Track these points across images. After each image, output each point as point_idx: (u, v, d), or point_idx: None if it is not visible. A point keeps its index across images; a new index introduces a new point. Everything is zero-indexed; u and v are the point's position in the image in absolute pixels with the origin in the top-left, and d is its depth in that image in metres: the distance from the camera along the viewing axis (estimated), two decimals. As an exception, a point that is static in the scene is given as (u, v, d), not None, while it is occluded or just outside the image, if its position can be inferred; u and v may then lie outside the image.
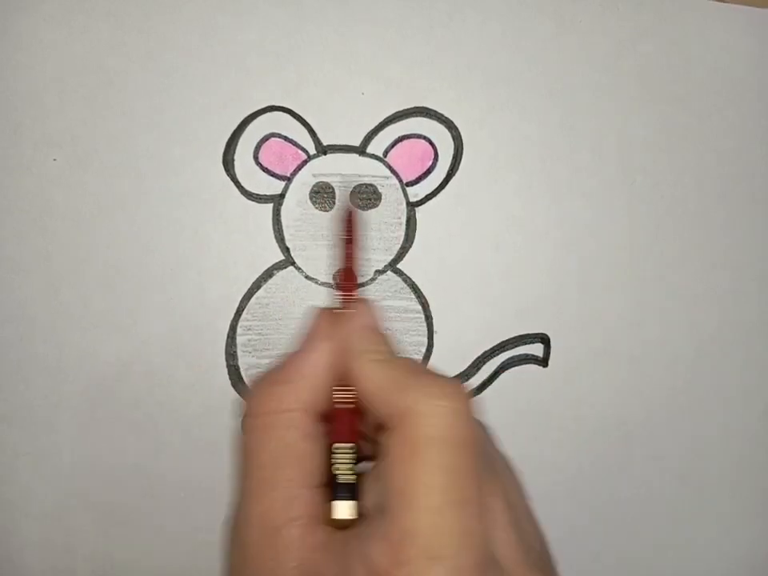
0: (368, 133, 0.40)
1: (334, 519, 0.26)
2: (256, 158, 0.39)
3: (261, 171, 0.39)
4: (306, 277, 0.39)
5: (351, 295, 0.32)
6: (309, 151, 0.39)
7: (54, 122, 0.38)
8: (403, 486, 0.23)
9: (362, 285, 0.40)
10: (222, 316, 0.39)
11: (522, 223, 0.41)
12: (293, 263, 0.39)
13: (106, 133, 0.38)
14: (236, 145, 0.39)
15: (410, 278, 0.40)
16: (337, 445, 0.28)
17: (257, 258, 0.39)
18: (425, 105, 0.40)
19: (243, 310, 0.39)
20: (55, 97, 0.38)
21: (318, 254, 0.39)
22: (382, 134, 0.40)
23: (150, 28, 0.39)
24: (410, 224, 0.40)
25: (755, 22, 0.43)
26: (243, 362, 0.39)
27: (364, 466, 0.29)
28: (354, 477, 0.27)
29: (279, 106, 0.39)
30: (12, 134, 0.38)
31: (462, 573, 0.22)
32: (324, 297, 0.40)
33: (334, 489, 0.27)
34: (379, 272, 0.40)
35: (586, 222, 0.42)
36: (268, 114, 0.39)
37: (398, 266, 0.40)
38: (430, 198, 0.40)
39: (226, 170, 0.39)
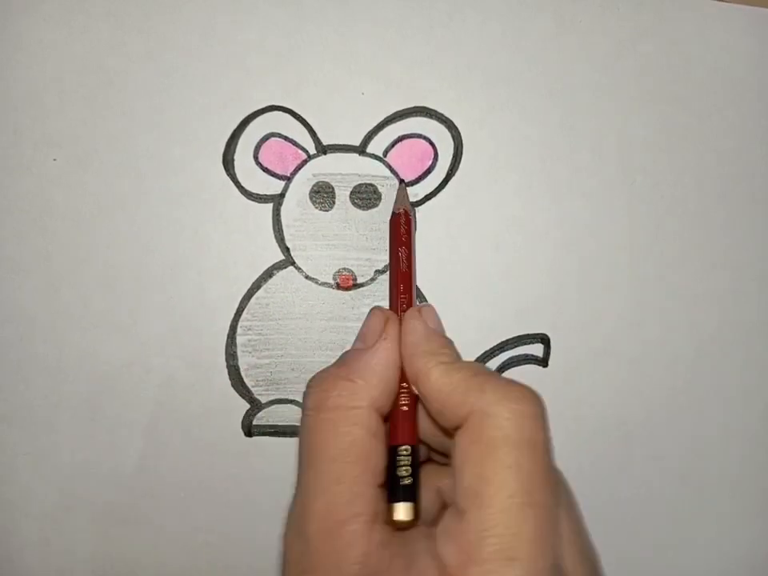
0: (368, 132, 0.40)
1: (394, 520, 0.26)
2: (256, 157, 0.39)
3: (261, 171, 0.39)
4: (306, 277, 0.39)
5: (409, 298, 0.32)
6: (309, 151, 0.39)
7: (53, 121, 0.38)
8: (477, 486, 0.24)
9: (362, 285, 0.40)
10: (221, 316, 0.39)
11: (521, 223, 0.41)
12: (293, 263, 0.39)
13: (105, 133, 0.38)
14: (236, 144, 0.39)
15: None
16: (400, 447, 0.28)
17: (257, 257, 0.39)
18: (425, 105, 0.40)
19: (243, 309, 0.39)
20: (55, 97, 0.38)
21: (318, 254, 0.39)
22: (381, 133, 0.40)
23: (149, 28, 0.39)
24: (410, 224, 0.40)
25: (755, 21, 0.43)
26: (243, 361, 0.39)
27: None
28: (413, 479, 0.27)
29: (279, 106, 0.39)
30: (12, 133, 0.38)
31: (529, 574, 0.22)
32: (326, 297, 0.40)
33: (395, 490, 0.27)
34: (379, 272, 0.40)
35: (586, 222, 0.42)
36: (268, 114, 0.39)
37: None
38: (430, 198, 0.40)
39: (225, 169, 0.39)
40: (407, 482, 0.27)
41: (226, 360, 0.39)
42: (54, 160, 0.38)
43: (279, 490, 0.38)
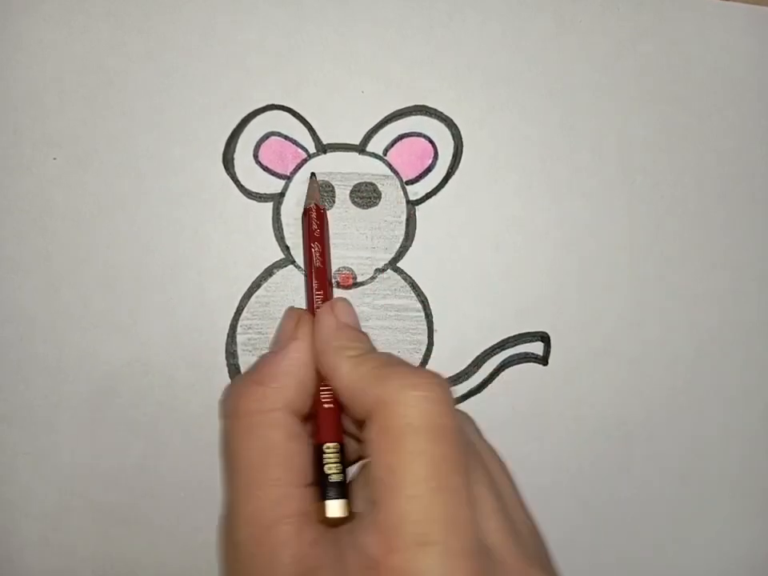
0: (368, 131, 0.40)
1: (326, 518, 0.26)
2: (256, 156, 0.39)
3: (261, 170, 0.39)
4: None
5: (323, 294, 0.32)
6: (309, 150, 0.39)
7: (53, 121, 0.38)
8: (386, 476, 0.24)
9: (362, 283, 0.40)
10: (221, 315, 0.39)
11: (521, 223, 0.41)
12: (293, 262, 0.39)
13: (105, 132, 0.38)
14: (236, 144, 0.39)
15: (410, 277, 0.40)
16: (326, 444, 0.28)
17: (257, 256, 0.39)
18: (425, 104, 0.40)
19: (243, 308, 0.39)
20: (55, 97, 0.38)
21: (318, 253, 0.39)
22: (381, 132, 0.40)
23: (149, 28, 0.39)
24: (410, 222, 0.40)
25: (755, 20, 0.43)
26: (243, 360, 0.39)
27: (351, 466, 0.29)
28: (342, 476, 0.27)
29: (279, 105, 0.39)
30: (11, 133, 0.38)
31: (452, 558, 0.23)
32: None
33: (324, 488, 0.27)
34: (379, 270, 0.40)
35: (586, 222, 0.42)
36: (268, 113, 0.39)
37: (398, 264, 0.40)
38: (430, 197, 0.40)
39: (225, 168, 0.39)
40: (335, 479, 0.27)
41: (227, 359, 0.39)
42: (54, 160, 0.38)
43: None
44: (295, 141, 0.39)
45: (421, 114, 0.40)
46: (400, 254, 0.40)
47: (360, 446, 0.30)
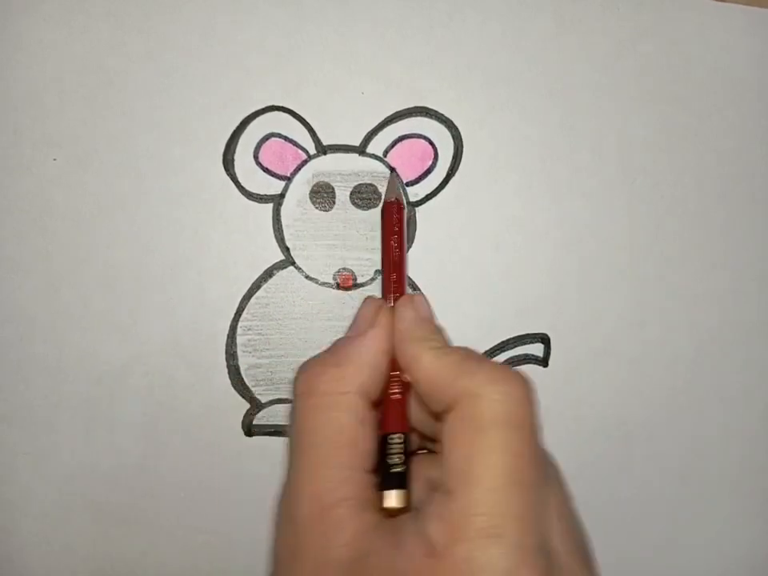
0: (368, 132, 0.40)
1: (385, 507, 0.27)
2: (256, 157, 0.39)
3: (261, 171, 0.39)
4: (306, 277, 0.39)
5: (401, 287, 0.32)
6: (309, 151, 0.39)
7: (53, 121, 0.38)
8: (465, 466, 0.24)
9: (362, 285, 0.40)
10: (222, 316, 0.39)
11: (522, 223, 0.41)
12: (293, 263, 0.39)
13: (105, 133, 0.38)
14: (236, 145, 0.39)
15: (410, 278, 0.40)
16: (391, 435, 0.28)
17: (257, 257, 0.39)
18: (425, 105, 0.40)
19: (243, 309, 0.39)
20: (55, 97, 0.38)
21: (318, 254, 0.39)
22: (381, 133, 0.40)
23: (149, 28, 0.39)
24: (410, 224, 0.40)
25: (755, 21, 0.43)
26: (243, 361, 0.39)
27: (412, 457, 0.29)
28: (404, 467, 0.28)
29: (279, 106, 0.39)
30: (12, 133, 0.38)
31: (521, 553, 0.23)
32: (326, 297, 0.40)
33: (386, 478, 0.27)
34: (379, 272, 0.40)
35: (586, 222, 0.42)
36: (268, 114, 0.39)
37: (398, 265, 0.40)
38: (430, 198, 0.40)
39: (226, 169, 0.39)
40: (398, 469, 0.28)
41: (226, 360, 0.39)
42: (54, 160, 0.38)
43: (279, 490, 0.38)
44: (295, 142, 0.39)
45: (421, 116, 0.40)
46: (400, 254, 0.40)
47: (419, 438, 0.31)
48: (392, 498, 0.27)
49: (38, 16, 0.38)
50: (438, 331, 0.29)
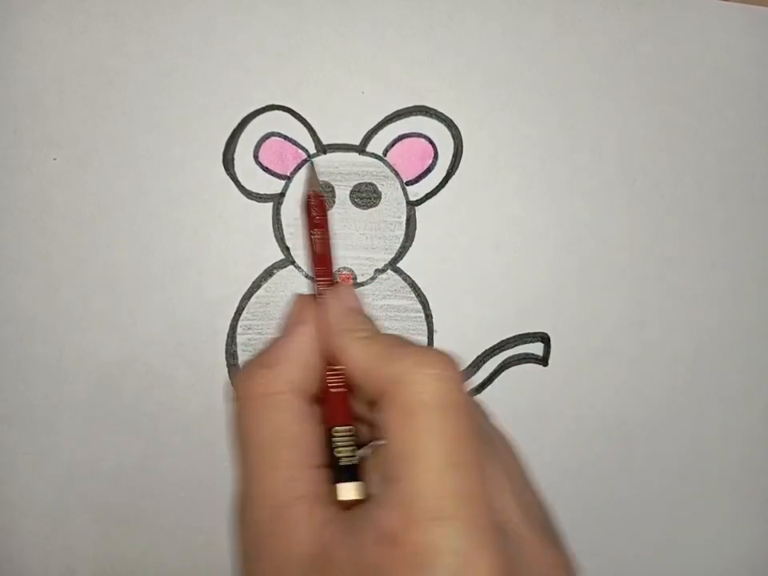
0: (368, 132, 0.40)
1: (340, 500, 0.26)
2: (256, 157, 0.39)
3: (261, 170, 0.39)
4: (306, 276, 0.39)
5: (327, 280, 0.32)
6: (309, 150, 0.39)
7: (53, 121, 0.38)
8: (402, 452, 0.24)
9: (362, 284, 0.40)
10: (222, 315, 0.39)
11: (522, 223, 0.41)
12: (293, 262, 0.39)
13: (105, 132, 0.38)
14: (236, 144, 0.39)
15: (410, 277, 0.40)
16: (336, 428, 0.28)
17: (257, 257, 0.39)
18: (425, 104, 0.40)
19: (243, 309, 0.39)
20: (55, 96, 0.38)
21: (317, 254, 0.39)
22: (381, 132, 0.40)
23: (149, 28, 0.39)
24: (410, 223, 0.40)
25: (755, 21, 0.43)
26: (243, 361, 0.39)
27: (363, 449, 0.29)
28: (355, 458, 0.27)
29: (279, 105, 0.39)
30: (12, 133, 0.38)
31: (468, 533, 0.23)
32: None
33: (337, 471, 0.27)
34: (379, 271, 0.40)
35: (586, 222, 0.42)
36: (268, 113, 0.39)
37: (398, 264, 0.40)
38: (430, 197, 0.40)
39: (226, 169, 0.39)
40: (347, 462, 0.27)
41: (227, 359, 0.39)
42: (54, 160, 0.38)
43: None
44: (295, 141, 0.39)
45: (421, 115, 0.40)
46: (400, 254, 0.40)
47: (370, 429, 0.30)
48: (345, 491, 0.27)
49: (38, 16, 0.38)
50: (366, 321, 0.29)
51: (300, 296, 0.31)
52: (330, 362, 0.29)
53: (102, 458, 0.38)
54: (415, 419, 0.24)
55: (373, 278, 0.40)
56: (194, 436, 0.39)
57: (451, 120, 0.40)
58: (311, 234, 0.33)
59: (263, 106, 0.39)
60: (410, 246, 0.40)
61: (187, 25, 0.39)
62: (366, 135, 0.40)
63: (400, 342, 0.27)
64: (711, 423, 0.44)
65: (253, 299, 0.39)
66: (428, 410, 0.24)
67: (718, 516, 0.44)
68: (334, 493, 0.27)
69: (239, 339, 0.39)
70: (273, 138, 0.39)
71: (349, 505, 0.26)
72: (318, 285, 0.32)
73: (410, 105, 0.40)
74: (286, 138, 0.39)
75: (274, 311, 0.39)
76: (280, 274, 0.39)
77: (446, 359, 0.25)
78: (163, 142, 0.39)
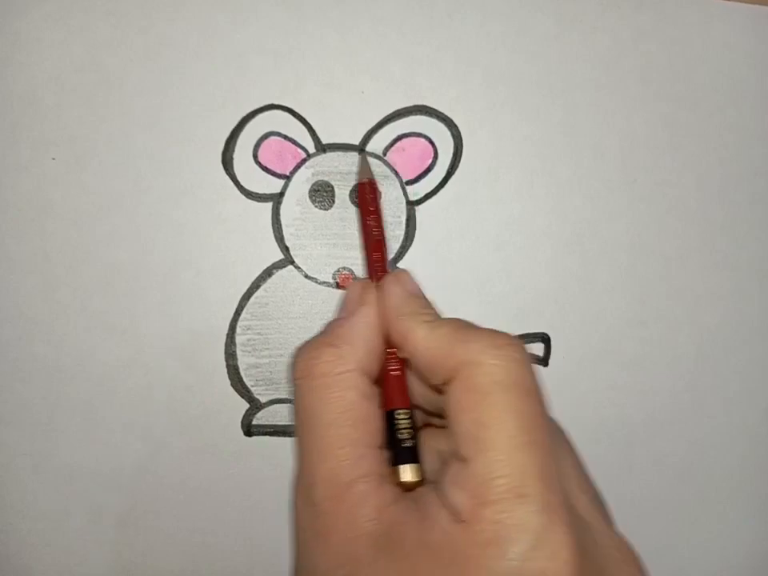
0: (367, 131, 0.40)
1: (401, 482, 0.27)
2: (255, 156, 0.39)
3: (260, 170, 0.39)
4: (306, 276, 0.39)
5: (383, 265, 0.32)
6: (308, 150, 0.39)
7: (52, 121, 0.38)
8: (476, 432, 0.24)
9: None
10: (221, 315, 0.39)
11: (521, 223, 0.41)
12: (292, 262, 0.39)
13: (104, 132, 0.38)
14: (235, 144, 0.39)
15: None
16: (397, 410, 0.28)
17: (256, 257, 0.39)
18: (425, 103, 0.40)
19: (242, 309, 0.39)
20: (53, 96, 0.38)
21: (317, 253, 0.39)
22: (381, 132, 0.40)
23: (149, 27, 0.39)
24: (410, 223, 0.40)
25: (757, 19, 0.43)
26: (243, 361, 0.39)
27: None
28: (414, 441, 0.28)
29: (278, 105, 0.39)
30: (10, 133, 0.38)
31: (549, 510, 0.23)
32: (326, 296, 0.40)
33: (397, 453, 0.28)
34: (379, 271, 0.40)
35: (587, 222, 0.42)
36: (267, 113, 0.39)
37: (398, 264, 0.40)
38: (430, 197, 0.40)
39: (225, 168, 0.39)
40: (409, 444, 0.28)
41: (226, 360, 0.39)
42: (53, 159, 0.38)
43: (279, 490, 0.38)
44: (295, 141, 0.39)
45: (421, 114, 0.40)
46: (400, 254, 0.40)
47: (423, 416, 0.31)
48: (407, 473, 0.27)
49: (37, 15, 0.38)
50: (428, 305, 0.30)
51: (357, 281, 0.32)
52: (389, 345, 0.29)
53: (102, 459, 0.38)
54: (490, 399, 0.24)
55: (373, 278, 0.40)
56: (193, 436, 0.39)
57: (451, 120, 0.40)
58: (367, 220, 0.33)
59: (262, 105, 0.39)
60: (410, 245, 0.40)
61: (187, 24, 0.39)
62: (365, 135, 0.40)
63: (466, 325, 0.27)
64: (712, 423, 0.43)
65: (252, 299, 0.39)
66: (503, 391, 0.24)
67: (718, 516, 0.44)
68: (395, 474, 0.27)
69: (238, 339, 0.39)
70: (272, 137, 0.39)
71: (409, 486, 0.27)
72: (376, 269, 0.32)
73: (409, 104, 0.40)
74: (285, 137, 0.39)
75: (273, 311, 0.39)
76: (279, 274, 0.39)
77: (517, 342, 0.26)
78: (162, 141, 0.39)
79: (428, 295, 0.40)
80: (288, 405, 0.39)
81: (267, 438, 0.39)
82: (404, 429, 0.28)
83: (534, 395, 0.25)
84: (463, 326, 0.27)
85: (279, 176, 0.39)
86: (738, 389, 0.43)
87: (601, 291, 0.42)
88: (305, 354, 0.28)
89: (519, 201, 0.41)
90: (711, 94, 0.43)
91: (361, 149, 0.40)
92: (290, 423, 0.39)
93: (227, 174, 0.39)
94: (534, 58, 0.41)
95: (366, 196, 0.35)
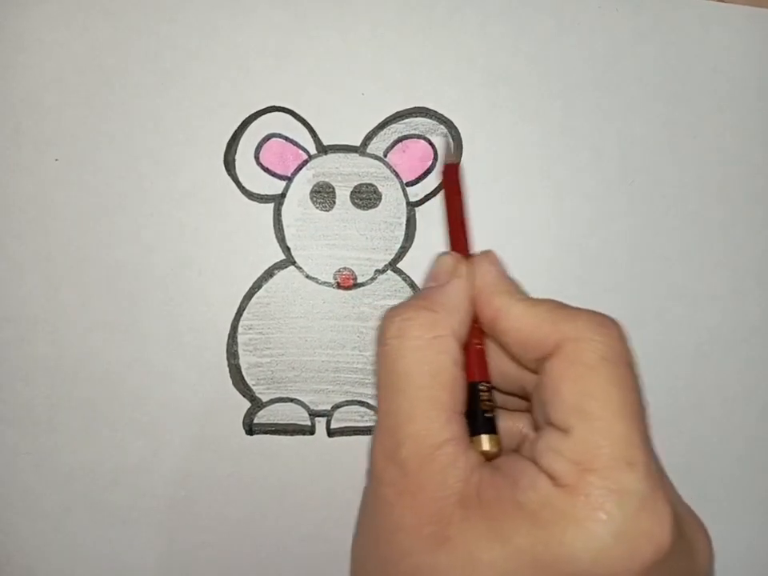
0: (368, 133, 0.40)
1: (482, 451, 0.27)
2: (257, 158, 0.39)
3: (262, 171, 0.39)
4: (307, 276, 0.39)
5: (468, 244, 0.33)
6: (309, 151, 0.40)
7: (54, 122, 0.38)
8: (582, 402, 0.25)
9: (362, 284, 0.40)
10: (222, 315, 0.39)
11: (521, 223, 0.41)
12: (293, 263, 0.39)
13: (106, 133, 0.38)
14: (237, 145, 0.39)
15: (410, 278, 0.40)
16: (480, 383, 0.29)
17: (257, 257, 0.39)
18: (424, 105, 0.40)
19: (244, 309, 0.39)
20: (55, 97, 0.38)
21: (318, 254, 0.40)
22: (381, 133, 0.40)
23: (150, 28, 0.39)
24: (410, 224, 0.40)
25: (754, 21, 0.43)
26: (244, 360, 0.39)
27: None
28: (494, 413, 0.29)
29: (280, 107, 0.39)
30: (12, 134, 0.38)
31: (652, 478, 0.24)
32: (327, 296, 0.40)
33: (481, 422, 0.28)
34: (379, 271, 0.40)
35: (586, 222, 0.42)
36: (269, 115, 0.39)
37: (398, 265, 0.40)
38: (430, 198, 0.40)
39: (226, 170, 0.39)
40: (491, 414, 0.28)
41: (227, 359, 0.39)
42: (56, 160, 0.38)
43: (280, 489, 0.38)
44: (296, 142, 0.39)
45: (421, 116, 0.40)
46: (400, 255, 0.40)
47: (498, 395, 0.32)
48: (489, 442, 0.28)
49: (39, 16, 0.38)
50: (519, 285, 0.30)
51: (447, 253, 0.32)
52: (475, 319, 0.30)
53: (102, 458, 0.38)
54: (595, 372, 0.25)
55: (373, 279, 0.40)
56: (194, 436, 0.39)
57: (451, 121, 0.41)
58: (455, 201, 0.34)
59: (264, 107, 0.39)
60: (410, 246, 0.40)
61: (188, 26, 0.39)
62: (366, 136, 0.40)
63: (564, 305, 0.28)
64: (711, 423, 0.44)
65: (254, 299, 0.39)
66: (609, 365, 0.25)
67: (717, 516, 0.44)
68: (476, 443, 0.28)
69: (240, 339, 0.39)
70: (273, 139, 0.39)
71: (488, 456, 0.27)
72: (463, 248, 0.33)
73: (409, 106, 0.40)
74: (286, 139, 0.39)
75: (274, 311, 0.39)
76: (281, 274, 0.39)
77: (614, 321, 0.27)
78: (164, 142, 0.39)
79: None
80: (289, 404, 0.39)
81: (269, 436, 0.39)
82: (486, 400, 0.29)
83: (635, 372, 0.26)
84: (561, 305, 0.28)
85: (281, 177, 0.39)
86: (737, 388, 0.44)
87: (600, 291, 0.42)
88: (399, 314, 0.28)
89: (518, 201, 0.41)
90: (709, 95, 0.43)
91: (449, 132, 0.40)
92: (291, 422, 0.39)
93: (229, 175, 0.39)
94: (534, 60, 0.41)
95: (452, 177, 0.35)
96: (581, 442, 0.24)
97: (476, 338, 0.30)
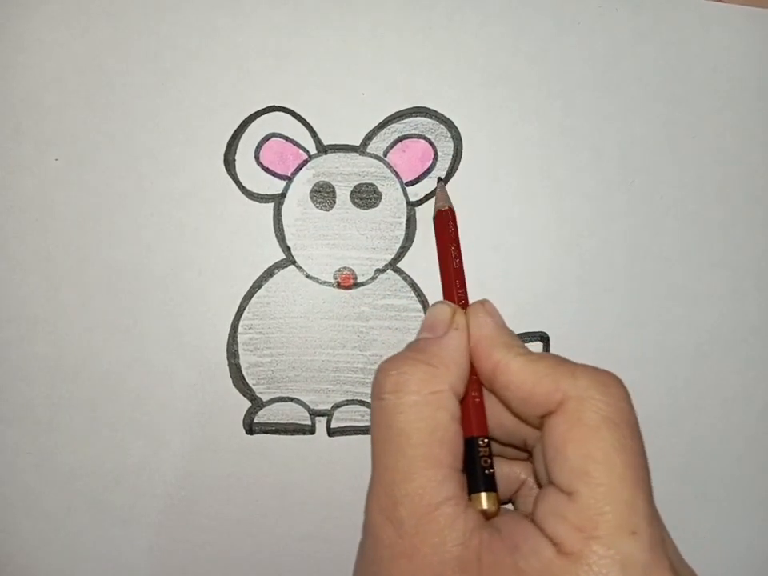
0: (368, 133, 0.40)
1: (481, 510, 0.27)
2: (257, 157, 0.39)
3: (262, 171, 0.39)
4: (307, 276, 0.39)
5: (464, 293, 0.32)
6: (309, 151, 0.40)
7: (54, 122, 0.38)
8: (585, 466, 0.24)
9: (363, 284, 0.40)
10: (223, 315, 0.39)
11: (521, 223, 0.41)
12: (293, 262, 0.39)
13: (106, 133, 0.39)
14: (237, 145, 0.39)
15: (410, 277, 0.40)
16: (479, 438, 0.28)
17: (258, 257, 0.39)
18: (424, 105, 0.40)
19: (244, 308, 0.39)
20: (56, 97, 0.38)
21: (318, 253, 0.40)
22: (381, 133, 0.40)
23: (150, 28, 0.39)
24: (410, 223, 0.40)
25: (755, 22, 0.43)
26: (244, 360, 0.39)
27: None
28: (493, 469, 0.28)
29: (280, 107, 0.39)
30: (13, 134, 0.38)
31: (655, 548, 0.23)
32: (327, 296, 0.40)
33: (478, 480, 0.27)
34: (379, 271, 0.40)
35: (586, 222, 0.42)
36: (269, 114, 0.39)
37: (398, 264, 0.40)
38: (430, 198, 0.40)
39: (227, 169, 0.39)
40: (490, 471, 0.28)
41: (228, 358, 0.39)
42: (56, 160, 0.38)
43: (280, 488, 0.38)
44: (296, 142, 0.39)
45: (421, 116, 0.40)
46: (400, 254, 0.40)
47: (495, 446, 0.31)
48: (488, 500, 0.27)
49: (39, 16, 0.38)
50: (517, 338, 0.30)
51: (443, 303, 0.31)
52: (472, 372, 0.29)
53: (103, 458, 0.38)
54: (598, 435, 0.25)
55: (373, 278, 0.40)
56: (194, 436, 0.39)
57: (451, 121, 0.41)
58: (450, 248, 0.33)
59: (264, 107, 0.39)
60: (410, 246, 0.40)
61: (188, 25, 0.39)
62: (366, 136, 0.40)
63: (565, 360, 0.27)
64: (711, 423, 0.44)
65: (254, 299, 0.39)
66: (614, 428, 0.25)
67: (717, 516, 0.44)
68: (473, 502, 0.27)
69: (240, 339, 0.39)
70: (273, 138, 0.39)
71: (487, 515, 0.27)
72: (459, 297, 0.32)
73: (409, 106, 0.40)
74: (286, 138, 0.39)
75: (274, 311, 0.39)
76: (281, 273, 0.39)
77: (617, 379, 0.26)
78: (164, 142, 0.39)
79: (428, 295, 0.40)
80: (289, 403, 0.39)
81: (269, 436, 0.39)
82: (485, 456, 0.28)
83: (639, 434, 0.26)
84: (563, 360, 0.27)
85: (281, 177, 0.39)
86: (736, 388, 0.44)
87: (599, 291, 0.42)
88: (396, 368, 0.27)
89: (518, 201, 0.41)
90: (709, 95, 0.43)
91: (439, 178, 0.40)
92: (290, 422, 0.39)
93: (229, 174, 0.39)
94: (534, 60, 0.41)
95: (447, 223, 0.35)
96: (585, 508, 0.24)
97: (474, 391, 0.29)
